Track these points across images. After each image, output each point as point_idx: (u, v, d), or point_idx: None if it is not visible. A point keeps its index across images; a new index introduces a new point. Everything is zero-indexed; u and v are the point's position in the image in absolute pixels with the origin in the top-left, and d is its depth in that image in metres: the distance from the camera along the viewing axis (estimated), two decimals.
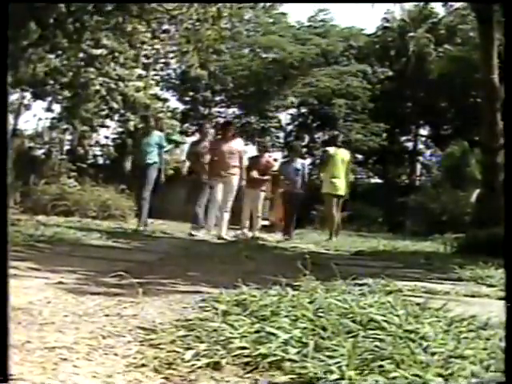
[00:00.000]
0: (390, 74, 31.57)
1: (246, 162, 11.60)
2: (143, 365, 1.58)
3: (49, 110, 18.56)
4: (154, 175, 10.95)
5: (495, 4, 10.02)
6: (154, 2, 12.09)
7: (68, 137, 19.25)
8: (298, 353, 1.62)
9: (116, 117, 19.44)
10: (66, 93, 16.93)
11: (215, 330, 1.82)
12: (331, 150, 12.12)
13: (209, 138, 11.20)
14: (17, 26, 10.25)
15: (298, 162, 12.66)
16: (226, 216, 10.31)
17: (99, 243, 6.45)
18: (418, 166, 34.46)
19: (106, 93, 16.76)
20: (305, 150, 33.91)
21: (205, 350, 1.66)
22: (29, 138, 18.88)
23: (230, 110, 35.24)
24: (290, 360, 1.58)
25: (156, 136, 11.10)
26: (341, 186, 11.91)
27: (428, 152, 34.77)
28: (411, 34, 31.60)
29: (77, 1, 11.50)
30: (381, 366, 1.52)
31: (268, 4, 33.96)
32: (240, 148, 10.94)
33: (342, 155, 12.03)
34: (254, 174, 11.88)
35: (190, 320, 2.06)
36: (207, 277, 3.67)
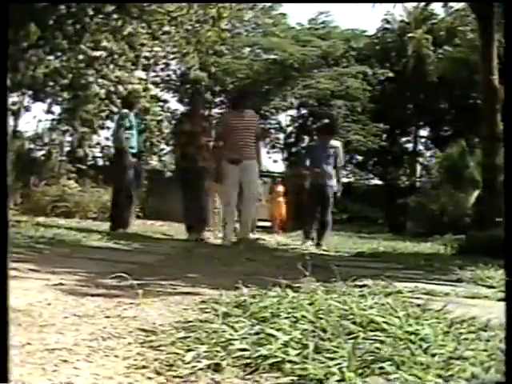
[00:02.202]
0: (391, 75, 31.56)
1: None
2: (144, 366, 1.58)
3: (49, 111, 18.60)
4: (133, 163, 9.40)
5: (495, 4, 10.04)
6: (156, 3, 12.10)
7: (68, 138, 19.28)
8: (299, 354, 1.62)
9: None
10: (66, 94, 16.95)
11: (215, 332, 1.82)
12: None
13: (202, 112, 9.57)
14: (17, 27, 10.26)
15: (331, 145, 10.00)
16: (253, 211, 8.84)
17: (99, 244, 6.45)
18: (418, 167, 34.48)
19: (105, 96, 16.77)
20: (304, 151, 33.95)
21: (205, 352, 1.66)
22: (29, 139, 18.90)
23: None
24: (290, 361, 1.58)
25: (132, 117, 9.62)
26: None
27: (428, 153, 34.82)
28: (410, 35, 31.63)
29: (77, 1, 11.49)
30: (381, 368, 1.52)
31: (267, 5, 33.98)
32: (256, 123, 8.84)
33: None
34: None
35: (190, 322, 2.06)
36: (207, 278, 3.68)
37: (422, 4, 31.79)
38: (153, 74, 27.10)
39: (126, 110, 9.72)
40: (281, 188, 19.91)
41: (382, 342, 1.71)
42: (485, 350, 1.72)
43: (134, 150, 9.48)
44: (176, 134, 9.97)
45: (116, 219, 9.49)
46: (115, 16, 12.08)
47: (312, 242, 9.61)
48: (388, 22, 33.80)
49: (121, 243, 6.84)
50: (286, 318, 1.98)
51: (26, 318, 2.11)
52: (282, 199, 19.61)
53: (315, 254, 7.68)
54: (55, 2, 11.04)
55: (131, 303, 2.51)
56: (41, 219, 10.28)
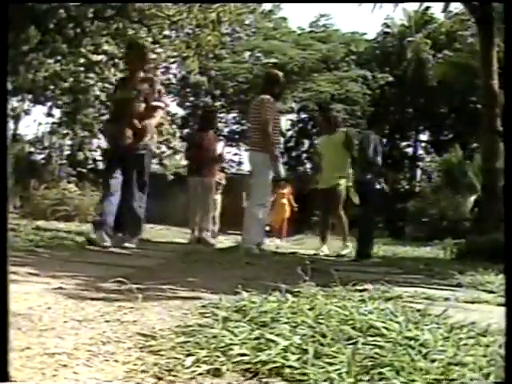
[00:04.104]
0: (391, 79, 31.60)
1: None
2: (143, 371, 1.58)
3: (49, 115, 18.60)
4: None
5: (495, 9, 10.07)
6: (160, 2, 12.11)
7: (68, 142, 19.27)
8: (298, 359, 1.62)
9: None
10: (66, 98, 16.95)
11: (215, 337, 1.82)
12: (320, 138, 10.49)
13: (144, 73, 7.02)
14: (17, 31, 10.27)
15: (374, 138, 8.64)
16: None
17: (99, 248, 6.44)
18: (418, 172, 34.50)
19: (106, 98, 16.76)
20: (304, 155, 33.99)
21: (205, 357, 1.66)
22: (29, 143, 18.91)
23: (230, 116, 35.28)
24: (289, 367, 1.58)
25: None
26: (326, 179, 9.75)
27: (428, 157, 34.83)
28: (410, 39, 31.68)
29: (77, 0, 11.48)
30: (380, 373, 1.52)
31: (268, 9, 34.06)
32: None
33: (331, 140, 9.74)
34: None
35: (190, 326, 2.06)
36: (207, 282, 3.67)
37: (422, 8, 31.86)
38: None
39: None
40: (286, 190, 19.10)
41: (381, 347, 1.71)
42: (484, 356, 1.72)
43: None
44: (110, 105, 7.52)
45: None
46: (115, 19, 12.11)
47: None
48: (388, 26, 33.87)
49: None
50: (285, 322, 1.98)
51: (26, 322, 2.10)
52: (285, 201, 18.87)
53: (315, 258, 7.68)
54: (56, 1, 11.03)
55: (131, 307, 2.51)
56: (40, 222, 10.28)
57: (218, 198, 12.80)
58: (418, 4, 30.69)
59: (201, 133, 10.30)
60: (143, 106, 6.86)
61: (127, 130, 6.78)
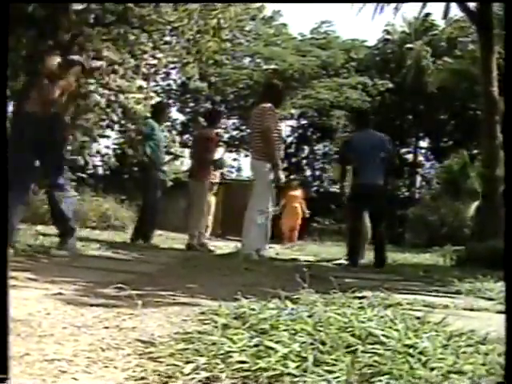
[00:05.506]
0: (391, 86, 31.62)
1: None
2: (142, 378, 1.58)
3: None
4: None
5: (495, 16, 10.09)
6: (164, 2, 12.11)
7: (68, 147, 19.23)
8: (298, 367, 1.62)
9: (116, 127, 19.46)
10: None
11: (214, 344, 1.82)
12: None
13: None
14: (18, 36, 10.27)
15: (375, 136, 8.23)
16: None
17: (99, 254, 6.44)
18: (418, 178, 34.50)
19: (105, 105, 16.76)
20: (304, 161, 33.99)
21: (204, 364, 1.66)
22: None
23: (230, 122, 35.29)
24: (289, 374, 1.58)
25: (158, 128, 9.28)
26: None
27: (428, 164, 34.84)
28: (409, 46, 31.71)
29: (80, 0, 11.46)
30: (380, 381, 1.52)
31: (268, 15, 34.07)
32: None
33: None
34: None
35: (190, 333, 2.06)
36: (207, 289, 3.67)
37: (423, 15, 31.89)
38: (153, 83, 27.18)
39: (151, 120, 9.42)
40: (298, 192, 18.54)
41: (380, 355, 1.71)
42: (483, 364, 1.72)
43: (161, 163, 9.55)
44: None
45: (140, 233, 9.32)
46: (116, 25, 12.12)
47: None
48: (388, 32, 33.89)
49: (120, 252, 6.84)
50: (285, 330, 1.97)
51: (26, 327, 2.10)
52: (298, 205, 18.24)
53: (315, 264, 7.67)
54: (57, 1, 11.00)
55: (130, 314, 2.51)
56: (40, 227, 10.26)
57: (213, 199, 12.61)
58: (418, 10, 30.69)
59: (204, 132, 10.10)
60: (57, 60, 5.27)
61: (35, 93, 5.25)
